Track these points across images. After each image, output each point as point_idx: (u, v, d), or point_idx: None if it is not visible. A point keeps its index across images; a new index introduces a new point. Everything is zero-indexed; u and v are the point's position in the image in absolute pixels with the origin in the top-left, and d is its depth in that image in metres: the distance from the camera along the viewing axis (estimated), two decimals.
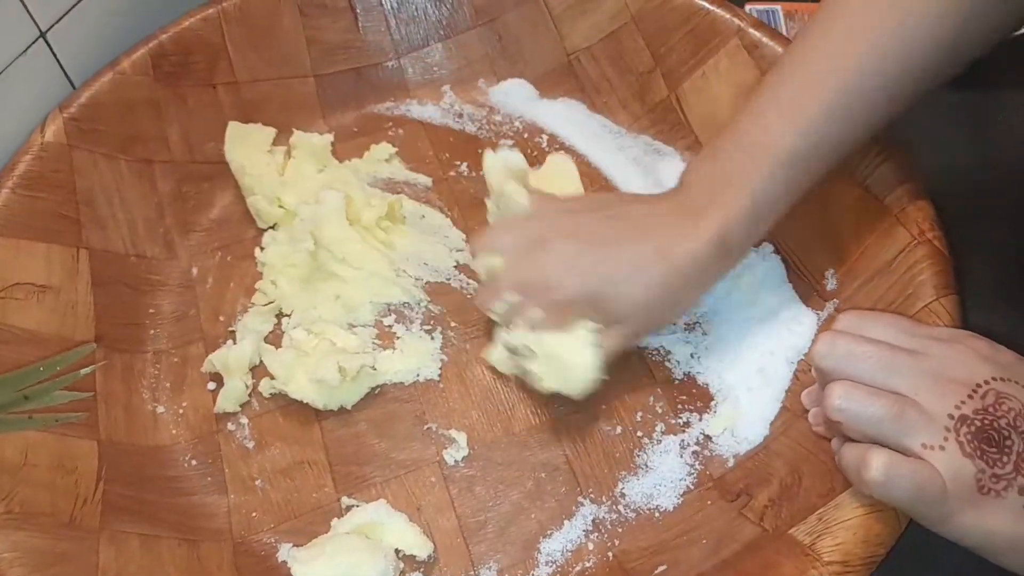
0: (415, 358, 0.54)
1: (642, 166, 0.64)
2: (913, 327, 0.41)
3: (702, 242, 0.46)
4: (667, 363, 0.54)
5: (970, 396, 0.37)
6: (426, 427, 0.52)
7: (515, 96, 0.68)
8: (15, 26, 0.53)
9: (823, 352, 0.40)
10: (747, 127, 0.47)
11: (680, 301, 0.48)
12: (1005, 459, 0.36)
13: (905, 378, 0.38)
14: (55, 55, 0.57)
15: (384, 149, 0.65)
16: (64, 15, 0.56)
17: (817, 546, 0.40)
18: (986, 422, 0.36)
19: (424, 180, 0.64)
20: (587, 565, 0.47)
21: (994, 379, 0.37)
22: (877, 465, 0.37)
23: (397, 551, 0.47)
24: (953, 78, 0.48)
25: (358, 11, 0.68)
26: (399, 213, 0.60)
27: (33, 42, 0.55)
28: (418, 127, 0.67)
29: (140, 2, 0.62)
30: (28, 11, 0.53)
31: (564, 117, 0.67)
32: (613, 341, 0.48)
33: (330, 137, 0.64)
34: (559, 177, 0.59)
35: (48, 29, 0.55)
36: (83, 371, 0.48)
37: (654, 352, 0.54)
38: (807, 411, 0.47)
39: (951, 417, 0.36)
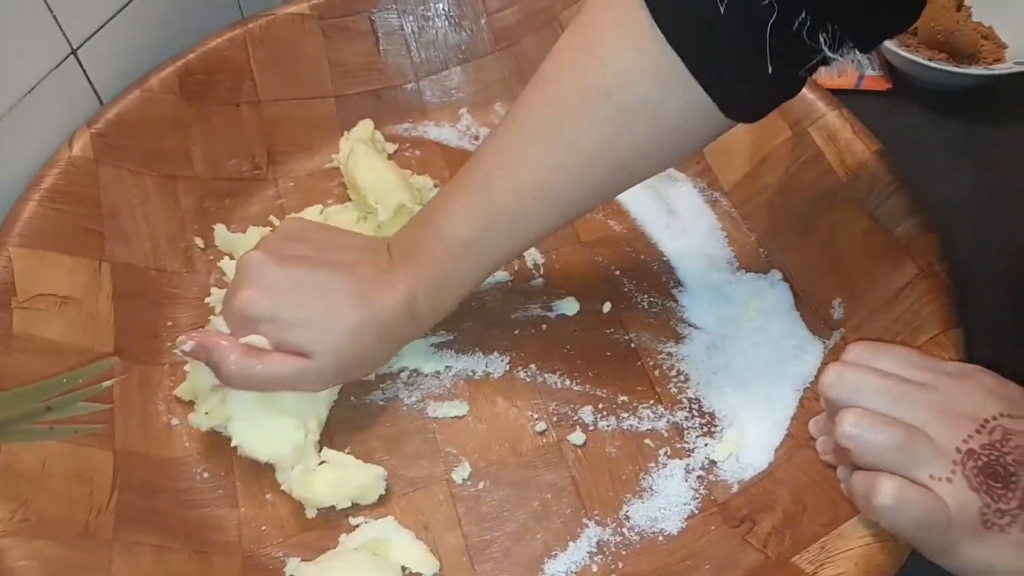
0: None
1: (654, 191, 0.64)
2: (922, 360, 0.41)
3: (396, 300, 0.48)
4: (673, 388, 0.54)
5: (978, 431, 0.37)
6: (435, 446, 0.53)
7: None
8: (48, 42, 0.55)
9: (831, 383, 0.40)
10: (439, 207, 0.49)
11: (367, 351, 0.49)
12: (1010, 495, 0.36)
13: (913, 410, 0.38)
14: (85, 72, 0.58)
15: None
16: (95, 32, 0.58)
17: (820, 575, 0.40)
18: (993, 458, 0.36)
19: None
20: None
21: (1002, 415, 0.38)
22: (887, 491, 0.37)
23: (404, 568, 0.47)
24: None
25: (379, 34, 0.69)
26: None
27: (65, 58, 0.56)
28: (435, 148, 0.68)
29: (169, 21, 0.64)
30: (61, 28, 0.55)
31: None
32: (294, 368, 0.48)
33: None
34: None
35: (80, 46, 0.57)
36: (105, 384, 0.49)
37: (661, 377, 0.55)
38: (813, 439, 0.47)
39: (959, 451, 0.37)
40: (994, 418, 0.38)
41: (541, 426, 0.53)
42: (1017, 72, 0.65)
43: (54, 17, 0.54)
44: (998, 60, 0.69)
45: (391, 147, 0.68)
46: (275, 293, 0.48)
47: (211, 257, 0.62)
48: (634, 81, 0.42)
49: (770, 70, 0.39)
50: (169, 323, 0.58)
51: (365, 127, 0.67)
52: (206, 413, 0.52)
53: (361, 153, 0.62)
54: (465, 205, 0.48)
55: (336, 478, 0.50)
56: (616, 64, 0.42)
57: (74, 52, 0.57)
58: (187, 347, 0.49)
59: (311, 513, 0.50)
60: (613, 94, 0.42)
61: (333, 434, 0.53)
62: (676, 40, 0.40)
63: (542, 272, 0.61)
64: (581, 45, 0.45)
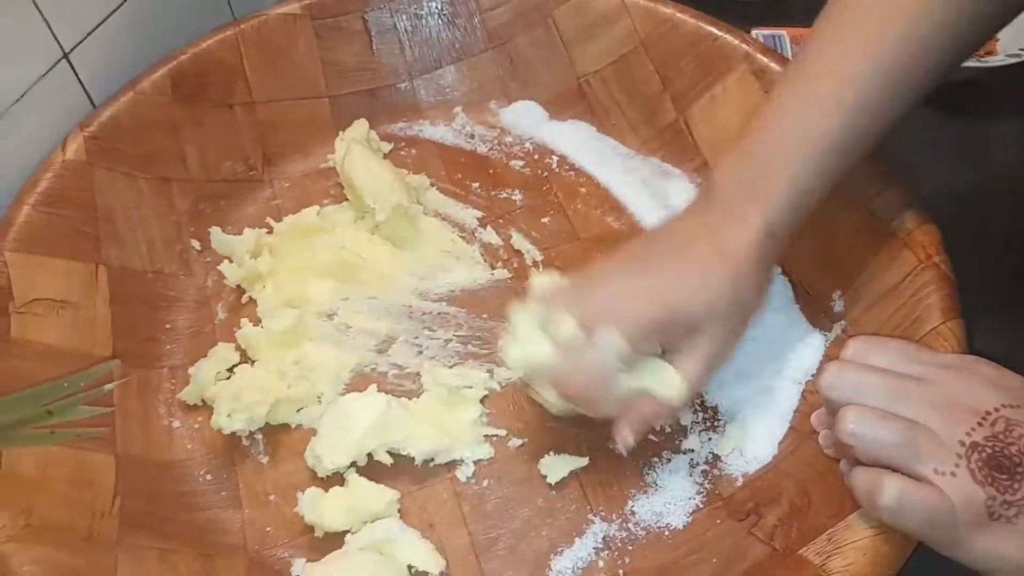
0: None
1: (651, 187, 0.64)
2: (920, 354, 0.41)
3: (753, 231, 0.45)
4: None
5: (980, 424, 0.37)
6: None
7: (526, 118, 0.69)
8: (40, 47, 0.55)
9: (830, 382, 0.40)
10: (773, 123, 0.47)
11: (746, 298, 0.46)
12: (1016, 486, 0.36)
13: (913, 406, 0.38)
14: (77, 75, 0.58)
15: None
16: (87, 36, 0.57)
17: (828, 566, 0.41)
18: (996, 449, 0.36)
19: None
20: None
21: (1004, 406, 0.38)
22: (891, 492, 0.37)
23: (410, 567, 0.47)
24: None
25: (373, 33, 0.69)
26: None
27: (56, 62, 0.56)
28: (431, 147, 0.68)
29: (160, 24, 0.63)
30: (52, 32, 0.54)
31: (574, 139, 0.68)
32: (696, 365, 0.45)
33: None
34: None
35: (71, 50, 0.56)
36: (107, 387, 0.49)
37: None
38: (816, 432, 0.47)
39: (962, 444, 0.37)
40: (996, 409, 0.37)
41: (546, 423, 0.53)
42: (1009, 64, 0.65)
43: (45, 21, 0.54)
44: (990, 53, 0.69)
45: (386, 146, 0.68)
46: (647, 296, 0.45)
47: (208, 259, 0.61)
48: None
49: None
50: (167, 326, 0.58)
51: (360, 127, 0.67)
52: (228, 416, 0.51)
53: (357, 153, 0.62)
54: (813, 106, 0.46)
55: (348, 504, 0.48)
56: None
57: (66, 56, 0.56)
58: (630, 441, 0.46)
59: (319, 532, 0.49)
60: None
61: None
62: None
63: (541, 269, 0.61)
64: None
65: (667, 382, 0.45)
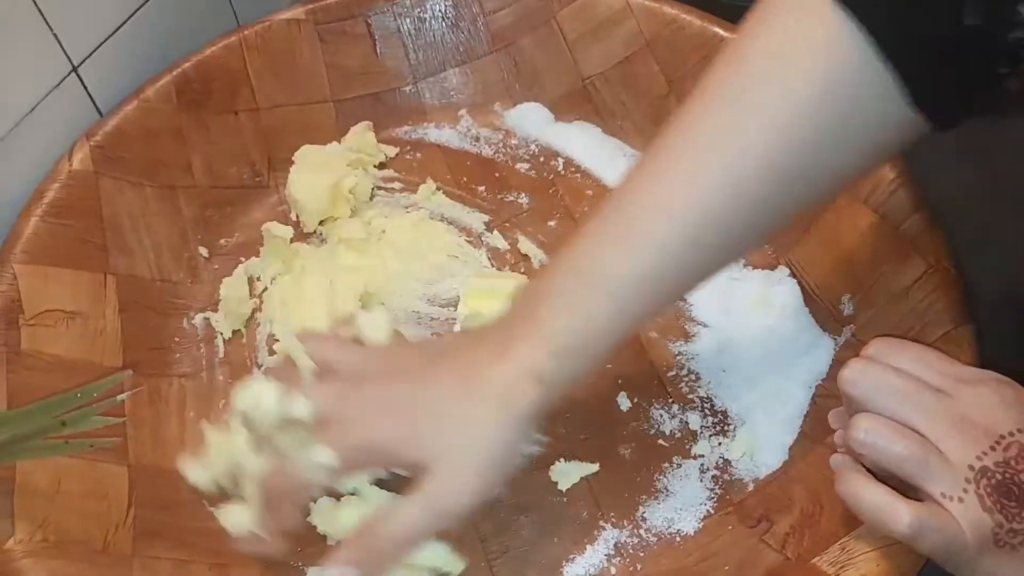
0: None
1: None
2: (942, 364, 0.41)
3: (512, 369, 0.38)
4: (684, 387, 0.55)
5: (992, 448, 0.37)
6: None
7: (531, 120, 0.69)
8: (49, 61, 0.55)
9: (852, 379, 0.40)
10: (577, 251, 0.40)
11: (493, 450, 0.39)
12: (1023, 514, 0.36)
13: (925, 417, 0.38)
14: (86, 88, 0.58)
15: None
16: (96, 49, 0.57)
17: (842, 575, 0.41)
18: (1007, 476, 0.36)
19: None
20: None
21: (1019, 431, 0.37)
22: (908, 521, 0.36)
23: (432, 570, 0.47)
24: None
25: (376, 37, 0.69)
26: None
27: (66, 76, 0.56)
28: (435, 150, 0.68)
29: (169, 35, 0.63)
30: (62, 46, 0.54)
31: (579, 140, 0.68)
32: (414, 507, 0.39)
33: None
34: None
35: (80, 63, 0.56)
36: (119, 397, 0.49)
37: (671, 376, 0.55)
38: (828, 435, 0.47)
39: (971, 468, 0.36)
40: (1011, 434, 0.37)
41: (553, 429, 0.53)
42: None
43: (55, 35, 0.54)
44: None
45: (392, 150, 0.67)
46: (363, 422, 0.40)
47: (216, 266, 0.61)
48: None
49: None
50: (177, 339, 0.58)
51: (362, 130, 0.66)
52: None
53: (296, 168, 0.62)
54: (618, 242, 0.39)
55: (362, 513, 0.46)
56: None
57: (75, 69, 0.56)
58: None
59: (332, 541, 0.48)
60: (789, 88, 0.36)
61: None
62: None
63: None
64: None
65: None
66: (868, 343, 0.42)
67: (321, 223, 0.63)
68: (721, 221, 0.38)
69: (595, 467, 0.51)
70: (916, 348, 0.41)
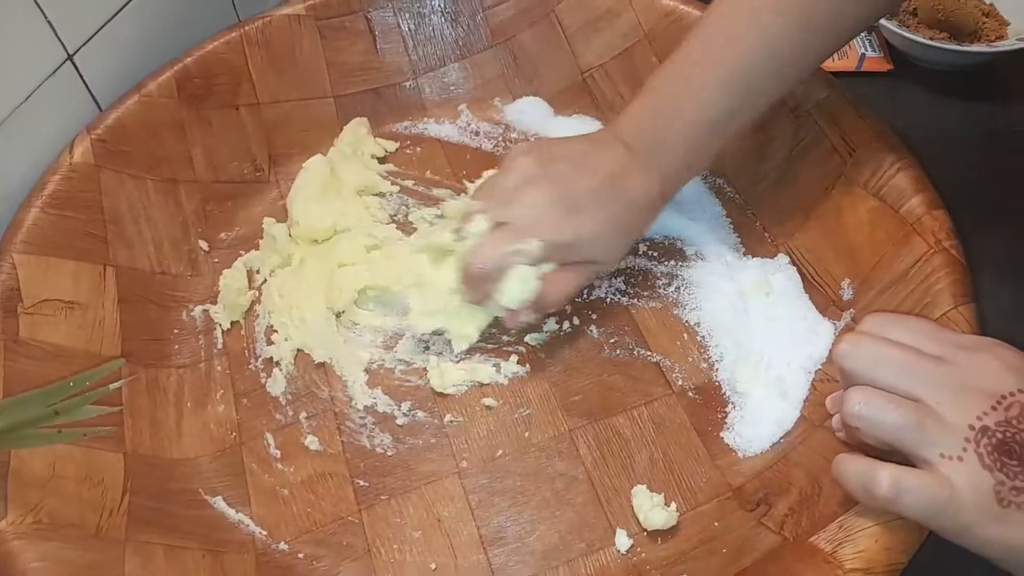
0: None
1: None
2: (938, 333, 0.40)
3: (654, 186, 0.52)
4: (684, 372, 0.54)
5: (993, 408, 0.36)
6: (445, 437, 0.53)
7: (531, 114, 0.69)
8: (43, 48, 0.55)
9: (845, 352, 0.40)
10: (675, 94, 0.52)
11: (631, 244, 0.55)
12: None
13: (927, 386, 0.38)
14: (82, 77, 0.58)
15: None
16: (91, 38, 0.58)
17: (838, 554, 0.40)
18: (1008, 435, 0.36)
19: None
20: (607, 575, 0.47)
21: (1020, 391, 0.37)
22: (886, 482, 0.37)
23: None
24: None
25: (376, 33, 0.69)
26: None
27: (61, 64, 0.56)
28: (436, 145, 0.68)
29: (165, 25, 0.64)
30: (56, 34, 0.55)
31: (579, 134, 0.68)
32: (570, 284, 0.53)
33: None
34: None
35: (75, 52, 0.57)
36: (112, 386, 0.48)
37: (671, 363, 0.55)
38: (830, 416, 0.47)
39: (972, 428, 0.36)
40: (1011, 394, 0.36)
41: (552, 415, 0.53)
42: (1020, 48, 0.65)
43: (49, 23, 0.54)
44: (1000, 37, 0.68)
45: (391, 145, 0.68)
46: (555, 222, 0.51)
47: (216, 260, 0.62)
48: None
49: None
50: (176, 330, 0.58)
51: (357, 127, 0.66)
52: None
53: (301, 183, 0.63)
54: (706, 82, 0.51)
55: (466, 375, 0.55)
56: None
57: (70, 58, 0.57)
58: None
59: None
60: None
61: (343, 431, 0.53)
62: None
63: None
64: None
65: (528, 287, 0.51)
66: (863, 319, 0.41)
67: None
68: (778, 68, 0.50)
69: (592, 453, 0.51)
70: (911, 319, 0.41)
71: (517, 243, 0.50)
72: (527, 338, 0.56)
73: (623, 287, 0.58)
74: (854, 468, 0.39)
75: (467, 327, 0.55)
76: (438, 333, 0.56)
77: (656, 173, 0.52)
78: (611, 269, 0.57)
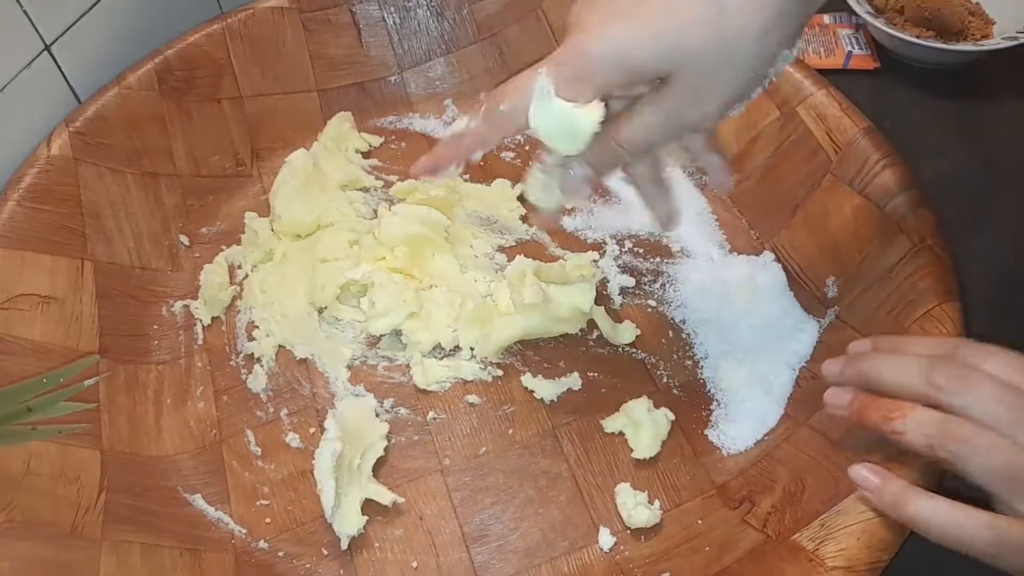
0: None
1: None
2: None
3: None
4: (669, 369, 0.54)
5: None
6: (428, 434, 0.52)
7: None
8: (19, 39, 0.54)
9: (952, 389, 0.37)
10: None
11: (738, 58, 0.38)
12: None
13: None
14: (60, 68, 0.57)
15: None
16: (69, 28, 0.57)
17: (820, 552, 0.40)
18: None
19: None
20: (590, 573, 0.47)
21: None
22: (987, 538, 0.35)
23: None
24: None
25: (361, 27, 0.68)
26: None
27: (38, 55, 0.55)
28: (421, 140, 0.68)
29: (145, 15, 0.63)
30: (32, 23, 0.54)
31: None
32: (656, 113, 0.39)
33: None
34: None
35: (53, 42, 0.56)
36: (86, 383, 0.48)
37: (657, 360, 0.54)
38: (814, 414, 0.46)
39: None
40: None
41: (536, 413, 0.53)
42: (1005, 47, 0.65)
43: (25, 12, 0.53)
44: (986, 36, 0.68)
45: (376, 140, 0.67)
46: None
47: (196, 255, 0.61)
48: None
49: None
50: (156, 326, 0.57)
51: (337, 123, 0.66)
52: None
53: (282, 181, 0.61)
54: None
55: (449, 372, 0.54)
56: None
57: (47, 48, 0.56)
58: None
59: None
60: None
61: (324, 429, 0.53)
62: None
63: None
64: None
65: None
66: (950, 342, 0.39)
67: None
68: None
69: (575, 450, 0.50)
70: (1003, 353, 0.38)
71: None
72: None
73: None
74: (944, 516, 0.36)
75: (421, 333, 0.55)
76: (396, 333, 0.56)
77: None
78: (706, 115, 0.40)
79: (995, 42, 0.66)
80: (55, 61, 0.57)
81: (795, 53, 0.40)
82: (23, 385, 0.44)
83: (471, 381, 0.54)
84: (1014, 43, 0.65)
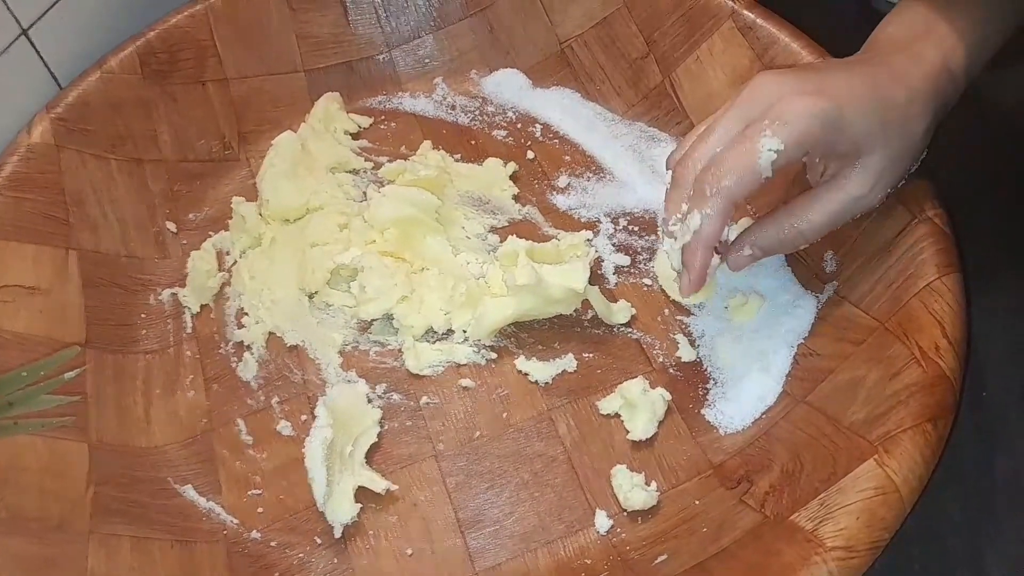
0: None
1: (637, 153, 0.63)
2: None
3: (928, 64, 0.43)
4: (665, 349, 0.53)
5: None
6: (422, 419, 0.51)
7: (508, 86, 0.67)
8: None
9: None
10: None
11: (916, 132, 0.44)
12: None
13: None
14: (39, 53, 0.56)
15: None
16: (46, 12, 0.55)
17: (819, 532, 0.39)
18: None
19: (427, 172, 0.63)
20: (587, 556, 0.46)
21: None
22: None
23: None
24: None
25: (347, 4, 0.67)
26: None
27: (15, 40, 0.54)
28: (411, 120, 0.66)
29: None
30: (8, 7, 0.52)
31: (558, 106, 0.66)
32: (865, 177, 0.43)
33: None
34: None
35: (30, 26, 0.55)
36: (67, 375, 0.47)
37: (652, 339, 0.53)
38: (813, 391, 0.45)
39: None
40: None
41: (531, 395, 0.52)
42: None
43: None
44: None
45: (365, 120, 0.66)
46: (813, 94, 0.42)
47: (184, 242, 0.60)
48: None
49: None
50: (143, 315, 0.56)
51: (325, 104, 0.65)
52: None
53: (269, 168, 0.61)
54: None
55: (442, 355, 0.53)
56: None
57: (24, 32, 0.54)
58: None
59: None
60: None
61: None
62: None
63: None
64: None
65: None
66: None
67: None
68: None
69: (571, 433, 0.49)
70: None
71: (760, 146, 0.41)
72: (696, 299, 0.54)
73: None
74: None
75: (413, 317, 0.54)
76: (388, 318, 0.55)
77: (929, 54, 0.44)
78: (890, 167, 0.44)
79: None
80: (33, 46, 0.56)
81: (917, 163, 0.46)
82: (3, 379, 0.43)
83: (464, 364, 0.53)
84: None
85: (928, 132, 0.44)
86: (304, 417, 0.52)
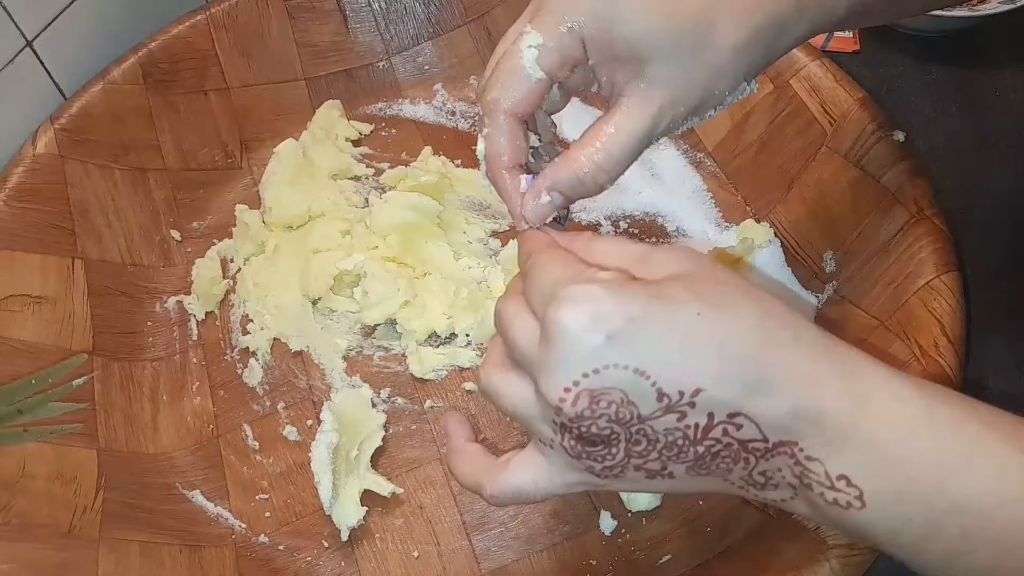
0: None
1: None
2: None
3: None
4: None
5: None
6: (426, 423, 0.52)
7: None
8: (0, 36, 0.53)
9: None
10: None
11: (721, 46, 0.34)
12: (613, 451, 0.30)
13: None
14: (43, 64, 0.57)
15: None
16: (50, 23, 0.56)
17: (822, 530, 0.39)
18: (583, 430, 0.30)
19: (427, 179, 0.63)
20: (592, 557, 0.46)
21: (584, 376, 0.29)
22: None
23: None
24: None
25: (347, 12, 0.67)
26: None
27: (20, 51, 0.55)
28: (411, 126, 0.67)
29: (128, 9, 0.62)
30: (13, 20, 0.53)
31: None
32: (640, 111, 0.34)
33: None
34: None
35: (35, 38, 0.55)
36: (76, 382, 0.48)
37: None
38: None
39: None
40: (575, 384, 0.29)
41: None
42: (1003, 12, 0.63)
43: (4, 8, 0.52)
44: (983, 1, 0.67)
45: (366, 127, 0.66)
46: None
47: (188, 250, 0.60)
48: None
49: None
50: (149, 323, 0.57)
51: (326, 112, 0.65)
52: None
53: (273, 174, 0.61)
54: None
55: (446, 360, 0.54)
56: None
57: (29, 44, 0.55)
58: None
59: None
60: None
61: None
62: None
63: None
64: None
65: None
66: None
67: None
68: None
69: None
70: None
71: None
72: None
73: None
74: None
75: (416, 322, 0.54)
76: (391, 323, 0.55)
77: None
78: (688, 89, 0.34)
79: (992, 7, 0.65)
80: (38, 57, 0.56)
81: (753, 88, 0.37)
82: (12, 387, 0.44)
83: (468, 368, 0.54)
84: (1011, 7, 0.63)
85: (742, 52, 0.34)
86: (310, 422, 0.52)
